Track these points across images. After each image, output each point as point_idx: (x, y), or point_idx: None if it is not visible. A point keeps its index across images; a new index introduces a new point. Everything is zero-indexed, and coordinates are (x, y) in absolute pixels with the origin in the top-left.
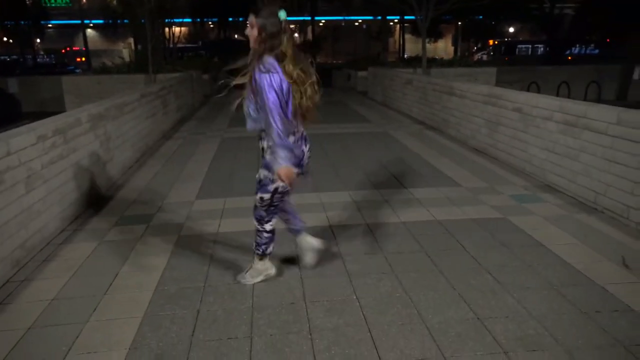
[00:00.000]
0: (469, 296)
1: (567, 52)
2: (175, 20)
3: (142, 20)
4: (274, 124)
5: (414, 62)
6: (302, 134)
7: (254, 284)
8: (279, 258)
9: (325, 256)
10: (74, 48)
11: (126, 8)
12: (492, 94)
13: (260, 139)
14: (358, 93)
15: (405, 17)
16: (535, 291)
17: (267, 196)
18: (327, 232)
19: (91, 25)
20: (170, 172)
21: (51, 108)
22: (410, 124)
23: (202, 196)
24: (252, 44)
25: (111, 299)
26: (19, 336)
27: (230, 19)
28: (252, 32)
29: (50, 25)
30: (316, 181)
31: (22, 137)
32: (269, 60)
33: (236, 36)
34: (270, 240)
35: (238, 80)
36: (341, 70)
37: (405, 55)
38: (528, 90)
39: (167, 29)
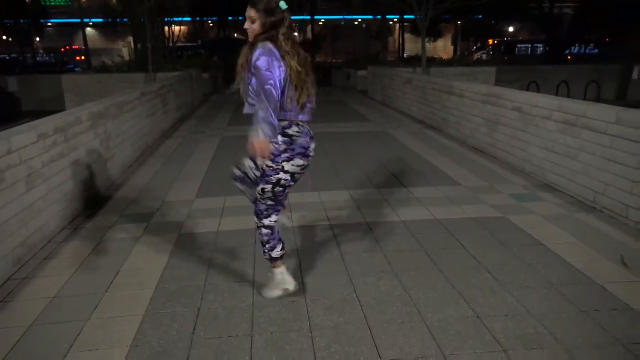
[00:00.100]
0: (469, 295)
1: (567, 51)
2: (175, 19)
3: (142, 19)
4: (264, 99)
5: (413, 61)
6: (308, 130)
7: (254, 283)
8: None
9: (325, 255)
10: (73, 47)
11: (126, 7)
12: (491, 93)
13: None
14: (358, 92)
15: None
16: (535, 290)
17: (268, 187)
18: (327, 231)
19: (91, 24)
20: (171, 171)
21: (51, 107)
22: (410, 123)
23: (202, 195)
24: (252, 39)
25: (112, 297)
26: (21, 334)
27: (230, 18)
28: (252, 27)
29: (49, 24)
30: (316, 180)
31: (23, 135)
32: (270, 45)
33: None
34: (273, 238)
35: (242, 60)
36: (341, 69)
37: (405, 55)
38: (528, 89)
39: (167, 28)
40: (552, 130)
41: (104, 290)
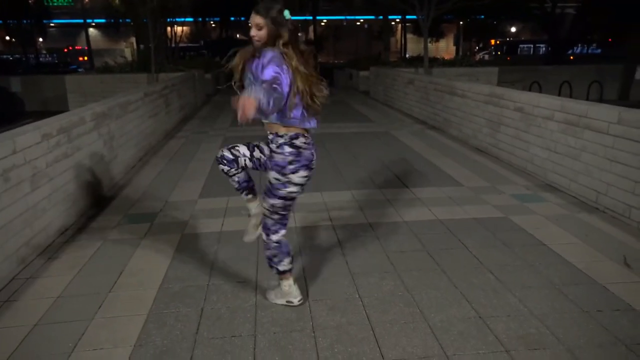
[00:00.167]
0: (471, 295)
1: (569, 51)
2: (177, 19)
3: (145, 20)
4: (270, 90)
5: (415, 61)
6: (313, 142)
7: (257, 283)
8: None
9: (328, 255)
10: (76, 47)
11: (128, 7)
12: (493, 93)
13: (266, 142)
14: (360, 93)
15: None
16: (537, 290)
17: (278, 202)
18: (330, 231)
19: (93, 24)
20: (174, 171)
21: (54, 107)
22: (411, 123)
23: (205, 195)
24: (258, 45)
25: (116, 297)
26: (25, 333)
27: (232, 19)
28: (259, 34)
29: (52, 25)
30: (318, 180)
31: (28, 135)
32: (277, 51)
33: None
34: (281, 252)
35: (237, 61)
36: (343, 70)
37: (407, 55)
38: (530, 90)
39: (169, 29)
40: (554, 130)
41: (108, 289)
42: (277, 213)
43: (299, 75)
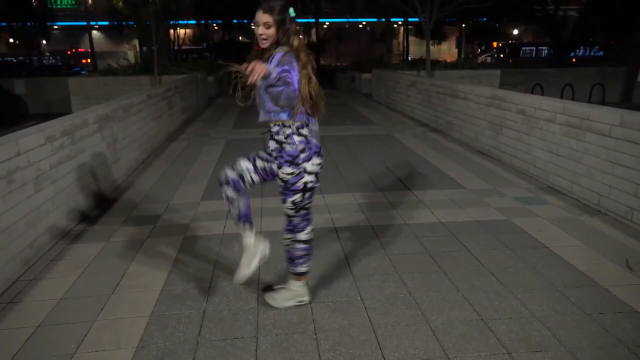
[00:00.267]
0: (473, 297)
1: (572, 54)
2: (180, 22)
3: (148, 22)
4: (285, 98)
5: (417, 64)
6: (317, 131)
7: (259, 285)
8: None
9: (329, 258)
10: (79, 49)
11: (132, 10)
12: (495, 96)
13: (269, 133)
14: (362, 95)
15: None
16: (539, 292)
17: (297, 197)
18: (332, 234)
19: (97, 26)
20: (176, 173)
21: (58, 109)
22: (414, 126)
23: (207, 197)
24: (265, 44)
25: (118, 299)
26: (29, 334)
27: (235, 21)
28: (267, 32)
29: (56, 27)
30: (321, 182)
31: (31, 137)
32: (290, 53)
33: (240, 38)
34: (307, 253)
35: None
36: (345, 72)
37: (409, 58)
38: (532, 92)
39: (172, 31)
40: (556, 132)
41: (110, 291)
42: (302, 208)
43: (307, 75)
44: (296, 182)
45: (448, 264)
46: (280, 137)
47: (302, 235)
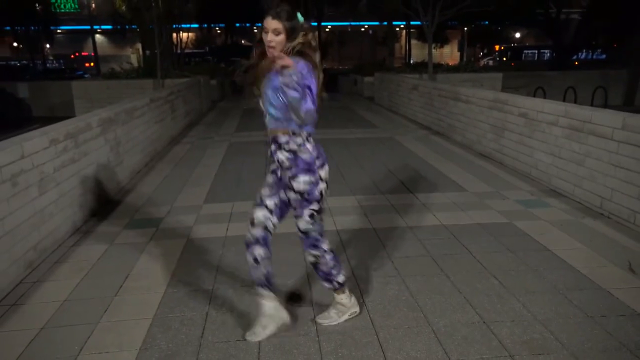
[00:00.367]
0: (475, 300)
1: (574, 57)
2: (182, 26)
3: (151, 26)
4: (305, 112)
5: (420, 67)
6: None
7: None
8: (283, 262)
9: None
10: (82, 53)
11: (135, 14)
12: (497, 99)
13: (275, 144)
14: (364, 98)
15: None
16: (541, 295)
17: (316, 206)
18: (334, 237)
19: (100, 30)
20: (179, 176)
21: (61, 113)
22: (416, 129)
23: (210, 200)
24: (274, 52)
25: (122, 301)
26: (32, 336)
27: (237, 25)
28: (276, 39)
29: (59, 31)
30: None
31: (35, 140)
32: (305, 60)
33: (243, 42)
34: (337, 261)
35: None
36: (347, 75)
37: (412, 61)
38: (534, 95)
39: (174, 35)
40: (558, 135)
41: (114, 293)
42: (320, 216)
43: (319, 82)
44: (314, 191)
45: (450, 267)
46: (293, 146)
47: (325, 245)
